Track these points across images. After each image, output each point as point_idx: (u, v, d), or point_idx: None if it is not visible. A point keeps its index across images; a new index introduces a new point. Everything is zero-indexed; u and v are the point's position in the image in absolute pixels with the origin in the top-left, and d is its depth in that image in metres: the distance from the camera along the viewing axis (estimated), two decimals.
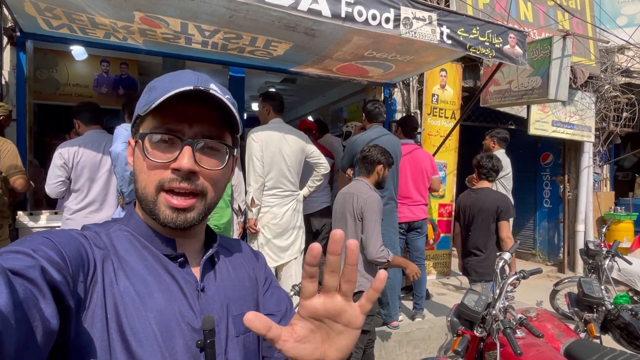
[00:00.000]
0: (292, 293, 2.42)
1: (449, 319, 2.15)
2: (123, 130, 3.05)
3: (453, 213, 3.53)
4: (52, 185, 3.07)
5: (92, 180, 3.17)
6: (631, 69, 6.26)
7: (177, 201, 0.68)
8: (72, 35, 3.29)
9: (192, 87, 0.65)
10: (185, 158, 0.67)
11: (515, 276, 2.12)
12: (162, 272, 0.70)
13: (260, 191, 3.18)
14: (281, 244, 3.25)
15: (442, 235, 5.07)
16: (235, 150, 0.77)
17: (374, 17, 2.78)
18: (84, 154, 3.11)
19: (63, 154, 3.06)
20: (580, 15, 5.70)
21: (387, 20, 2.83)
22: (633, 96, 6.02)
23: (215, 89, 0.69)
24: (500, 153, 4.43)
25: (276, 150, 3.20)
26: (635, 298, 3.71)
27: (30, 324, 0.47)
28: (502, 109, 5.45)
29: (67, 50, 4.55)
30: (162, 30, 3.13)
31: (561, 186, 6.65)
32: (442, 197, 4.96)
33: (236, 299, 0.77)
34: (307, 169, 3.46)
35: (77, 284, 0.59)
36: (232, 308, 0.76)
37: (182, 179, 0.68)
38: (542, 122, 5.69)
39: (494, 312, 1.99)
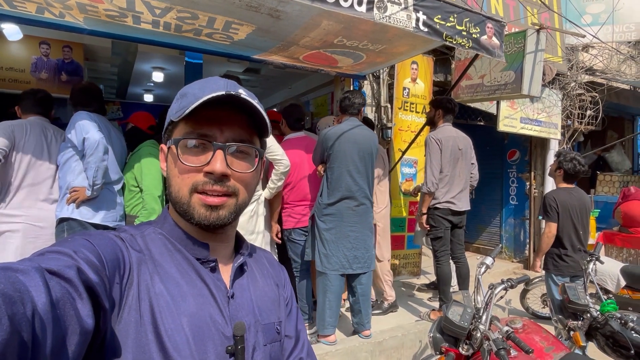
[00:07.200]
0: None
1: (431, 334, 1.93)
2: (85, 115, 2.81)
3: (546, 211, 3.35)
4: None
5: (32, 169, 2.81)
6: (594, 67, 6.32)
7: (211, 199, 0.70)
8: None
9: (224, 92, 0.66)
10: (218, 162, 0.69)
11: (503, 286, 1.92)
12: (195, 276, 0.71)
13: None
14: None
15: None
16: (264, 153, 0.78)
17: None
18: (30, 138, 2.77)
19: (15, 124, 2.74)
20: (548, 12, 5.66)
21: (360, 2, 2.58)
22: (597, 94, 6.08)
23: (244, 94, 0.70)
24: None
25: None
26: (604, 297, 3.67)
27: (67, 323, 0.48)
28: (472, 105, 5.33)
29: None
30: (105, 6, 2.73)
31: (527, 183, 6.67)
32: (413, 194, 4.78)
33: (265, 308, 0.79)
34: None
35: (113, 285, 0.60)
36: (260, 317, 0.77)
37: (214, 181, 0.70)
38: (511, 119, 5.62)
39: (481, 327, 1.78)
